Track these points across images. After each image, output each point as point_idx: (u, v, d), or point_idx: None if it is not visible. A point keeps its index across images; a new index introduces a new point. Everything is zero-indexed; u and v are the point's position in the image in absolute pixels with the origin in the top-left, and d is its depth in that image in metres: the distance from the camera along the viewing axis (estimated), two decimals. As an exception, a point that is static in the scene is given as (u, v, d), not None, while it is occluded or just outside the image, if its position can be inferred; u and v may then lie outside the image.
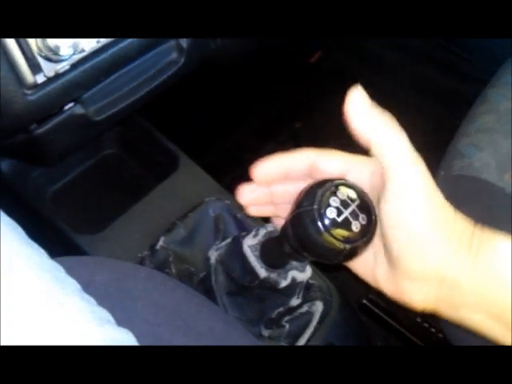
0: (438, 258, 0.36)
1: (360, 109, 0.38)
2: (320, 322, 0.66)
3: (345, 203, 0.38)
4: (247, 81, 1.13)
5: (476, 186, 0.65)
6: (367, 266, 0.42)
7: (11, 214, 0.36)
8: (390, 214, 0.37)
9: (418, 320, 0.90)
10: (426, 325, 0.89)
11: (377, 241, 0.40)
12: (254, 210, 0.46)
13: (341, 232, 0.38)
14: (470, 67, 1.08)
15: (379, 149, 0.37)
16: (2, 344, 0.28)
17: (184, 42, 0.61)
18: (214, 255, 0.64)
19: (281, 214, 0.46)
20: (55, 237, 0.70)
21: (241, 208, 0.72)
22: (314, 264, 0.66)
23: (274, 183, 0.43)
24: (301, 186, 0.42)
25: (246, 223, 0.72)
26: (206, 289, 0.64)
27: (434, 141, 0.76)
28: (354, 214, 0.38)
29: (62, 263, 0.36)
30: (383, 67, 1.21)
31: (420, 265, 0.36)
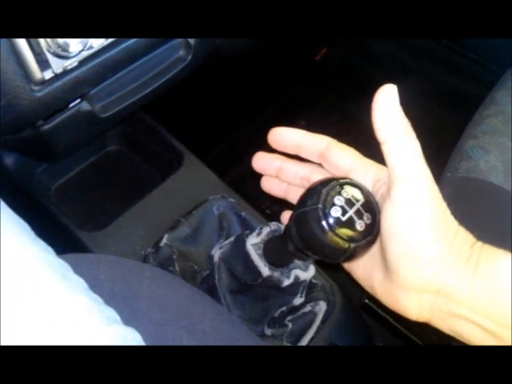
0: (434, 270, 0.35)
1: (388, 106, 0.37)
2: (323, 322, 0.66)
3: (349, 202, 0.38)
4: (252, 78, 1.12)
5: (482, 188, 0.64)
6: (365, 272, 0.42)
7: (15, 209, 0.36)
8: (390, 222, 0.37)
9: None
10: (427, 324, 0.89)
11: (375, 248, 0.40)
12: (266, 185, 0.48)
13: (345, 231, 0.38)
14: (477, 68, 1.08)
15: (391, 155, 0.37)
16: (10, 343, 0.28)
17: (191, 40, 0.60)
18: (217, 253, 0.64)
19: (289, 198, 0.47)
20: (59, 232, 0.69)
21: (245, 206, 0.72)
22: (317, 263, 0.66)
23: (286, 149, 0.45)
24: (309, 172, 0.44)
25: (249, 222, 0.71)
26: (209, 287, 0.64)
27: (440, 142, 0.75)
28: (359, 213, 0.38)
29: (66, 260, 0.36)
30: (389, 66, 1.20)
31: (416, 275, 0.36)
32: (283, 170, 0.46)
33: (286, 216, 0.48)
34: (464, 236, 0.37)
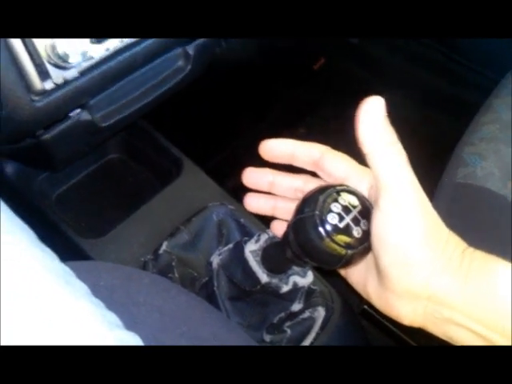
0: (426, 276, 0.35)
1: (371, 119, 0.37)
2: (322, 328, 0.66)
3: (346, 209, 0.38)
4: (251, 87, 1.13)
5: (479, 194, 0.65)
6: (359, 277, 0.42)
7: (17, 216, 0.36)
8: (379, 231, 0.37)
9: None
10: (427, 330, 0.89)
11: (370, 255, 0.40)
12: (250, 205, 0.46)
13: (342, 238, 0.38)
14: (475, 76, 1.09)
15: (376, 165, 0.37)
16: (14, 344, 0.29)
17: (190, 49, 0.61)
18: (216, 260, 0.64)
19: (278, 215, 0.47)
20: (59, 240, 0.70)
21: (244, 213, 0.73)
22: (316, 269, 0.66)
23: (279, 160, 0.44)
24: (303, 183, 0.44)
25: (249, 228, 0.72)
26: (208, 294, 0.64)
27: (438, 148, 0.76)
28: (356, 220, 0.38)
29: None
30: (387, 75, 1.21)
31: (407, 282, 0.36)
32: (276, 184, 0.45)
33: (275, 225, 0.48)
34: (455, 242, 0.37)
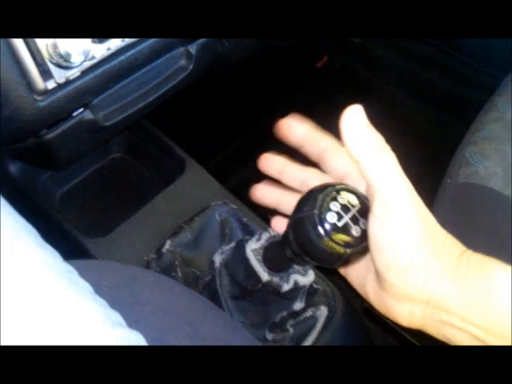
0: (423, 279, 0.36)
1: (354, 127, 0.37)
2: (324, 327, 0.66)
3: (345, 208, 0.38)
4: (254, 85, 1.13)
5: (482, 194, 0.65)
6: (359, 277, 0.43)
7: (20, 215, 0.36)
8: (375, 236, 0.37)
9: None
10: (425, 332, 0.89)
11: (369, 256, 0.40)
12: (256, 195, 0.47)
13: (341, 236, 0.38)
14: (475, 73, 1.08)
15: (367, 171, 0.37)
16: (18, 344, 0.29)
17: (193, 49, 0.61)
18: (218, 259, 0.65)
19: (282, 209, 0.47)
20: (63, 239, 0.70)
21: (247, 212, 0.73)
22: (318, 269, 0.66)
23: (291, 142, 0.45)
24: (309, 176, 0.44)
25: (252, 227, 0.72)
26: (211, 293, 0.64)
27: (440, 147, 0.76)
28: (355, 219, 0.38)
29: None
30: (388, 72, 1.21)
31: (405, 286, 0.36)
32: (284, 173, 0.46)
33: (275, 222, 0.48)
34: (452, 245, 0.37)
